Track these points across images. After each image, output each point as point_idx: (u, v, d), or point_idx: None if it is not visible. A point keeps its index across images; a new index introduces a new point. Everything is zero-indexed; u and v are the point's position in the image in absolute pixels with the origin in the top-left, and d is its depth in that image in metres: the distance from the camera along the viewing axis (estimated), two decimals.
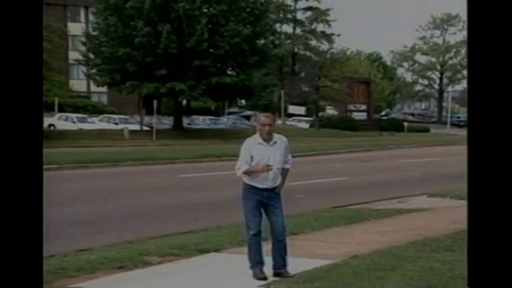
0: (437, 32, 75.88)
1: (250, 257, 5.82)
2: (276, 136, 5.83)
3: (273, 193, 5.79)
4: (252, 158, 5.70)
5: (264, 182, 5.73)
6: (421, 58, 77.84)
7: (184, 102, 41.20)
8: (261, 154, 5.69)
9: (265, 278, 5.70)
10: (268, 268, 5.87)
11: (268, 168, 5.64)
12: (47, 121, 41.00)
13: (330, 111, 60.90)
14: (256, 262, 5.76)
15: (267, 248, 5.93)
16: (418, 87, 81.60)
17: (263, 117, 5.83)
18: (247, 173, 5.70)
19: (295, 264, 6.21)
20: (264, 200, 5.76)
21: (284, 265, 5.85)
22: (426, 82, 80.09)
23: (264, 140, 5.73)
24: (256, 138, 5.79)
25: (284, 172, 5.86)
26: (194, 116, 47.86)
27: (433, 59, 76.64)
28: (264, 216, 5.85)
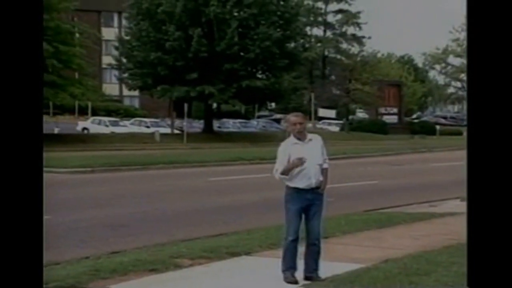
0: None
1: (284, 261, 5.78)
2: (310, 135, 5.84)
3: (317, 194, 5.76)
4: (289, 159, 5.66)
5: (307, 180, 5.67)
6: (454, 61, 76.59)
7: (215, 105, 41.45)
8: (298, 152, 5.66)
9: (296, 282, 5.68)
10: (299, 271, 5.85)
11: (301, 161, 5.58)
12: (81, 124, 41.84)
13: (361, 114, 60.43)
14: (289, 267, 5.74)
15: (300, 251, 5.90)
16: (450, 90, 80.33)
17: (293, 117, 5.82)
18: (285, 172, 5.66)
19: (326, 268, 6.17)
20: (308, 203, 5.72)
21: (316, 269, 5.83)
22: (459, 84, 78.76)
23: (299, 139, 5.72)
24: (291, 139, 5.77)
25: (324, 172, 5.83)
26: (224, 119, 48.12)
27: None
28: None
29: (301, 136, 5.72)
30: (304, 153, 5.67)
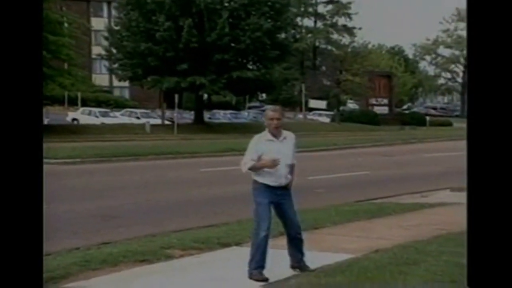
0: (462, 25, 74.81)
1: (254, 260, 5.58)
2: (285, 132, 5.64)
3: (286, 190, 5.67)
4: (261, 156, 5.50)
5: (277, 179, 5.56)
6: (444, 51, 76.98)
7: (205, 96, 41.35)
8: (271, 150, 5.49)
9: (266, 280, 5.54)
10: (285, 263, 5.83)
11: (275, 163, 5.44)
12: (71, 115, 41.61)
13: (351, 105, 60.58)
14: (259, 266, 5.56)
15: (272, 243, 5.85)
16: (440, 81, 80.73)
17: (270, 112, 5.59)
18: (254, 169, 5.53)
19: (317, 258, 6.20)
20: (277, 199, 5.61)
21: (302, 258, 5.81)
22: (449, 75, 79.18)
23: (274, 136, 5.54)
24: (265, 134, 5.59)
25: (291, 168, 5.72)
26: (215, 110, 48.05)
27: (457, 52, 75.64)
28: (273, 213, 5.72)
29: (276, 133, 5.52)
30: (278, 153, 5.49)
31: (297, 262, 5.80)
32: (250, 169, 5.56)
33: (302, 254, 5.83)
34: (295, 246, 5.78)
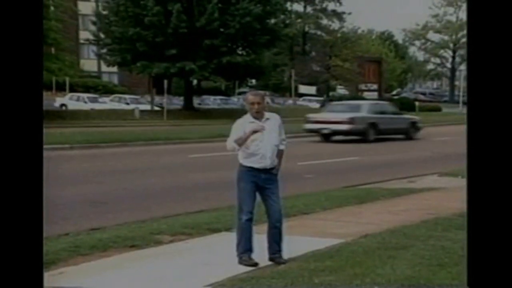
0: (451, 10, 74.93)
1: (240, 244, 5.55)
2: (268, 114, 5.62)
3: (271, 174, 5.59)
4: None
5: (262, 160, 5.51)
6: (433, 37, 77.09)
7: (195, 82, 41.21)
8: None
9: (256, 264, 5.51)
10: (263, 251, 5.70)
11: (260, 127, 5.40)
12: (59, 101, 41.29)
13: (341, 90, 60.63)
14: (246, 249, 5.56)
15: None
16: (430, 66, 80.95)
17: (251, 96, 5.53)
18: (240, 141, 5.45)
19: (307, 243, 6.24)
20: (262, 183, 5.55)
21: (279, 250, 5.65)
22: (438, 60, 79.38)
23: (256, 118, 5.53)
24: (248, 117, 5.57)
25: (279, 153, 5.66)
26: (205, 96, 47.94)
27: (446, 37, 75.81)
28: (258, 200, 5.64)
29: (258, 116, 5.52)
30: (260, 134, 5.46)
31: (273, 253, 5.60)
32: (236, 141, 5.47)
33: (279, 246, 5.63)
34: (273, 236, 5.62)
